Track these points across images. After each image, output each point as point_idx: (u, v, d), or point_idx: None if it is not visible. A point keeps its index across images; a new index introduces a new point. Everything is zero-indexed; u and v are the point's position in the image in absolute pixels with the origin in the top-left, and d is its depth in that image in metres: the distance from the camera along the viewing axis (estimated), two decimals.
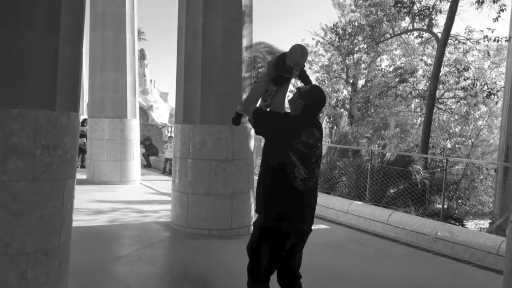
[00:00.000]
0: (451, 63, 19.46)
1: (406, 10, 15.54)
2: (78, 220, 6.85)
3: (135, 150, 11.91)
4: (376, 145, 20.70)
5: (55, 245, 3.23)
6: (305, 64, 3.60)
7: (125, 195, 10.13)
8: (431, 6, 15.31)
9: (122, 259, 5.62)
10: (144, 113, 32.86)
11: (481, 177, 20.88)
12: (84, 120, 13.95)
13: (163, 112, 36.17)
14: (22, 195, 3.03)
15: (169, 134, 20.24)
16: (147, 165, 16.45)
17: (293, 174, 3.19)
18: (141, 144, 17.14)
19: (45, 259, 3.17)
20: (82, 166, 13.88)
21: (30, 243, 3.09)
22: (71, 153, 3.35)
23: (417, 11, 15.49)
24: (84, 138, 13.45)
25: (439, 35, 15.47)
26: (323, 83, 25.29)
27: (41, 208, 3.12)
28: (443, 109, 22.09)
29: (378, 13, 19.79)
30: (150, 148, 17.05)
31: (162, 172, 15.30)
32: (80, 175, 10.81)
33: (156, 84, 38.68)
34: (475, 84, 18.24)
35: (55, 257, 3.25)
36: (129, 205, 9.02)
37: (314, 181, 3.32)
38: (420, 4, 15.56)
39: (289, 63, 3.40)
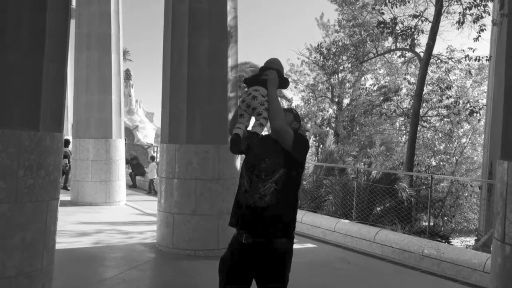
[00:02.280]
0: (434, 81, 19.75)
1: (388, 31, 15.79)
2: (62, 242, 6.73)
3: (121, 171, 11.80)
4: (362, 163, 20.79)
5: (37, 268, 3.17)
6: (290, 82, 3.60)
7: (110, 216, 10.00)
8: (413, 27, 15.59)
9: (106, 282, 5.52)
10: (130, 133, 32.71)
11: (466, 194, 21.02)
12: (67, 140, 13.68)
13: (149, 132, 36.04)
14: (4, 217, 2.98)
15: (153, 154, 20.09)
16: (132, 185, 16.32)
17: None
18: (128, 163, 17.02)
19: (27, 283, 3.10)
20: (65, 188, 13.57)
21: (12, 267, 3.02)
22: (54, 174, 3.31)
23: (399, 31, 15.75)
24: (67, 160, 13.27)
25: (422, 54, 15.74)
26: (309, 102, 25.48)
27: (23, 231, 3.07)
28: (427, 127, 22.35)
29: (362, 33, 20.09)
30: (137, 167, 16.96)
31: (147, 192, 15.20)
32: (64, 197, 10.66)
33: (142, 104, 38.62)
34: (457, 102, 18.50)
35: (38, 280, 3.18)
36: (114, 226, 8.90)
37: None
38: (402, 24, 15.83)
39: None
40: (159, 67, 7.38)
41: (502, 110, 3.77)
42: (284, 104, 27.24)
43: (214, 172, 6.75)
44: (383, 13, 16.77)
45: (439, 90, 19.07)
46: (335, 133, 23.95)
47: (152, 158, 16.47)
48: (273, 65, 3.43)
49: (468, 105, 17.87)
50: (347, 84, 24.71)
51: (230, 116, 7.01)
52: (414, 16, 15.72)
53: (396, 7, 15.39)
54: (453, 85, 19.66)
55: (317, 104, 25.38)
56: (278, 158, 3.16)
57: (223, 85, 6.95)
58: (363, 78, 24.78)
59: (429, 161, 24.02)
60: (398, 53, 18.66)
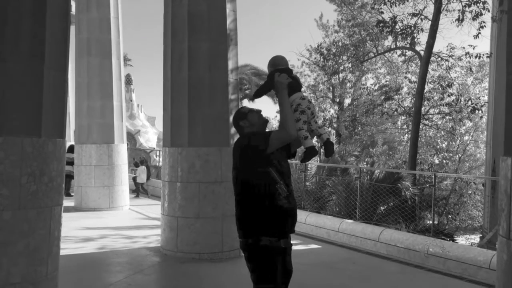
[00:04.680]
0: (434, 79, 19.73)
1: (388, 30, 15.79)
2: (66, 248, 6.74)
3: (124, 175, 11.82)
4: (365, 163, 20.77)
5: (42, 275, 3.17)
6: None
7: (113, 221, 10.01)
8: (412, 25, 15.58)
9: (111, 287, 5.51)
10: (132, 138, 32.71)
11: (470, 192, 20.99)
12: (72, 146, 13.62)
13: (151, 136, 36.04)
14: (8, 224, 2.98)
15: (143, 159, 19.99)
16: (135, 190, 16.28)
17: None
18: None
19: None
20: (68, 195, 13.49)
21: (17, 273, 3.02)
22: (57, 180, 3.31)
23: (399, 30, 15.74)
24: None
25: (422, 53, 15.73)
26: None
27: (27, 237, 3.07)
28: (429, 125, 22.31)
29: (361, 33, 20.09)
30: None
31: (147, 196, 15.23)
32: (68, 202, 10.68)
33: (144, 108, 38.61)
34: (459, 100, 18.49)
35: (43, 287, 3.18)
36: (118, 231, 8.90)
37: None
38: (402, 23, 15.82)
39: None
40: (160, 71, 7.39)
41: (504, 106, 3.76)
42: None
43: (216, 174, 6.75)
44: (382, 12, 16.77)
45: (440, 88, 19.05)
46: (337, 133, 23.94)
47: (142, 162, 16.49)
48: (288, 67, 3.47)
49: (470, 102, 17.86)
50: (348, 84, 24.70)
51: (231, 118, 7.00)
52: (414, 15, 15.71)
53: (395, 6, 15.40)
54: (454, 83, 19.65)
55: (318, 104, 25.37)
56: (288, 162, 3.42)
57: (224, 88, 6.96)
58: (363, 78, 24.78)
59: (432, 159, 23.99)
60: (399, 52, 18.65)
